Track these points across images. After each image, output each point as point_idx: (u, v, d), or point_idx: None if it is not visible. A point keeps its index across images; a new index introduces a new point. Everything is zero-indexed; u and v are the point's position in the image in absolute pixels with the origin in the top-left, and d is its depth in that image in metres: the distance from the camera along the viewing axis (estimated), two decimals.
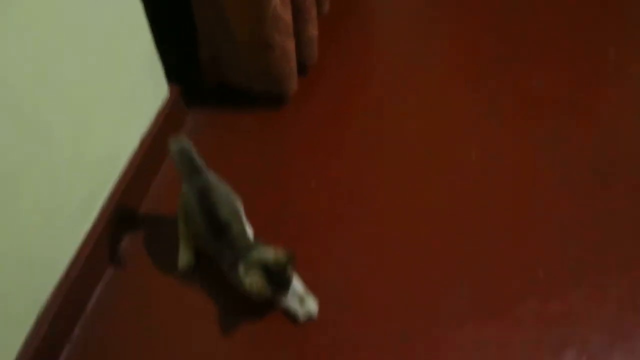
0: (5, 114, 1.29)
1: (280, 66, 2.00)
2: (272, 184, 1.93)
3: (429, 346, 1.56)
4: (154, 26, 1.82)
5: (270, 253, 1.51)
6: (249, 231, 1.64)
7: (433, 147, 2.02)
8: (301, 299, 1.61)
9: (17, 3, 1.26)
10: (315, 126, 2.10)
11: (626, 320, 1.57)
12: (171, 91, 1.99)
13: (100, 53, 1.60)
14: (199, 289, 1.69)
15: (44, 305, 1.53)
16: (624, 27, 2.36)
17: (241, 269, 1.50)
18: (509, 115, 2.10)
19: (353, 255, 1.75)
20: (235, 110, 2.16)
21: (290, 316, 1.62)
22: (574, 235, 1.75)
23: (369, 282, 1.68)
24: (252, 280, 1.47)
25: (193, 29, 2.03)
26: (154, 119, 1.92)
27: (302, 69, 2.18)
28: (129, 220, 1.82)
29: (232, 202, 1.63)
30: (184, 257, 1.71)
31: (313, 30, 2.11)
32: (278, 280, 1.49)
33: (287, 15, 1.89)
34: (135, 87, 1.82)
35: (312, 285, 1.64)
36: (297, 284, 1.61)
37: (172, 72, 1.99)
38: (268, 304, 1.61)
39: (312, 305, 1.60)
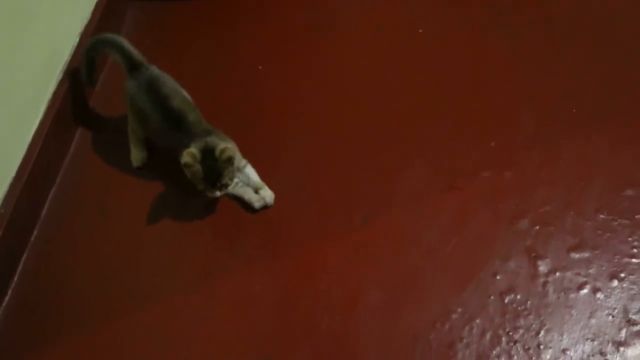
0: None
1: None
2: (219, 71, 1.90)
3: (389, 223, 1.58)
4: None
5: (222, 142, 1.49)
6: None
7: (384, 22, 1.99)
8: (256, 187, 1.62)
9: None
10: (268, 12, 2.05)
11: (576, 185, 1.60)
12: None
13: None
14: (156, 184, 1.69)
15: None
16: None
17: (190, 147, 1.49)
18: None
19: (309, 139, 1.74)
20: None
21: (245, 204, 1.62)
22: (525, 104, 1.76)
23: (325, 166, 1.69)
24: (184, 154, 1.45)
25: None
26: (92, 13, 1.85)
27: None
28: (76, 120, 1.79)
29: (181, 91, 1.61)
30: (137, 154, 1.70)
31: None
32: (210, 167, 1.47)
33: None
34: None
35: (267, 172, 1.63)
36: (252, 173, 1.62)
37: None
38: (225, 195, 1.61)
39: (267, 193, 1.61)
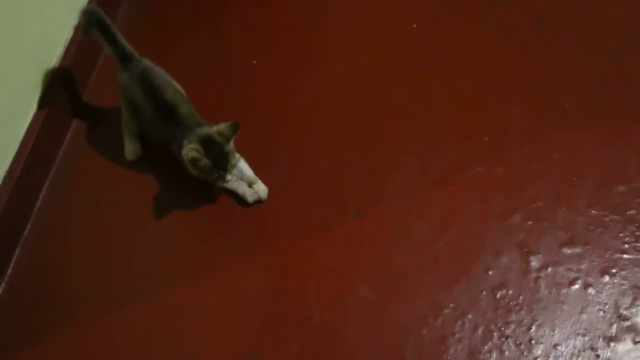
0: None
1: None
2: (213, 64, 1.90)
3: (380, 218, 1.58)
4: None
5: (213, 128, 1.51)
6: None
7: (376, 17, 1.99)
8: (250, 182, 1.62)
9: None
10: (257, 5, 2.05)
11: (568, 181, 1.60)
12: None
13: None
14: (150, 178, 1.69)
15: None
16: None
17: (184, 144, 1.50)
18: None
19: (301, 133, 1.74)
20: None
21: (239, 199, 1.62)
22: (517, 99, 1.76)
23: (317, 160, 1.69)
24: (187, 151, 1.46)
25: None
26: (86, 4, 1.84)
27: None
28: (70, 113, 1.79)
29: (173, 83, 1.62)
30: (131, 148, 1.70)
31: None
32: (216, 154, 1.48)
33: None
34: None
35: (261, 166, 1.64)
36: (245, 168, 1.62)
37: None
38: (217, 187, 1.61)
39: (261, 187, 1.62)
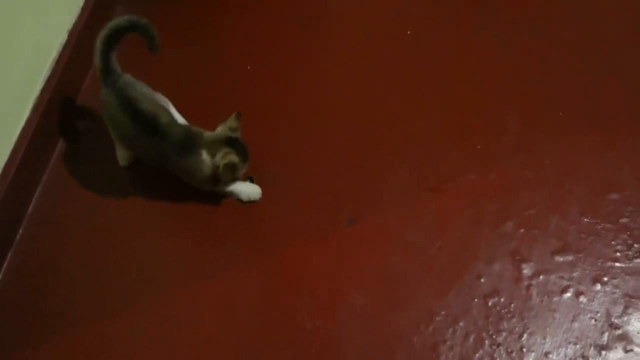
0: None
1: None
2: (209, 71, 1.89)
3: (373, 226, 1.58)
4: None
5: (220, 127, 1.51)
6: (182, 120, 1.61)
7: (370, 27, 1.99)
8: (243, 182, 1.62)
9: None
10: (252, 12, 2.05)
11: (560, 188, 1.60)
12: None
13: None
14: (143, 183, 1.69)
15: None
16: None
17: (204, 154, 1.49)
18: None
19: (294, 141, 1.74)
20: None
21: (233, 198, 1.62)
22: (511, 106, 1.76)
23: (312, 167, 1.68)
24: (230, 160, 1.46)
25: None
26: (81, 9, 1.85)
27: None
28: (63, 118, 1.78)
29: (152, 95, 1.57)
30: (122, 154, 1.69)
31: None
32: (241, 148, 1.49)
33: None
34: None
35: (255, 171, 1.63)
36: None
37: None
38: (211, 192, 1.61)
39: (255, 188, 1.62)
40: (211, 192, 1.59)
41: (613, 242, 1.51)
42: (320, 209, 1.60)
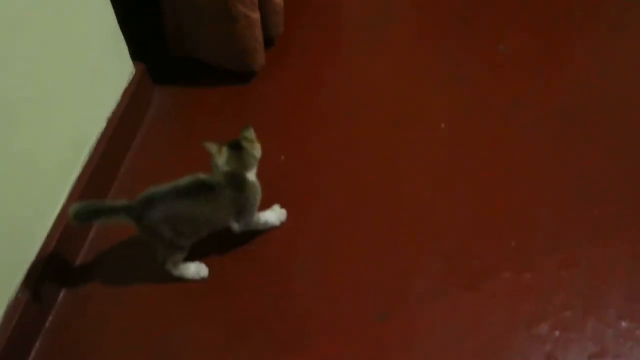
0: None
1: (245, 38, 1.98)
2: None
3: (404, 322, 1.55)
4: (116, 1, 1.78)
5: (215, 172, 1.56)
6: None
7: (403, 116, 2.02)
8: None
9: None
10: (285, 99, 2.08)
11: (598, 290, 1.57)
12: (137, 69, 1.96)
13: (60, 30, 1.56)
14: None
15: None
16: None
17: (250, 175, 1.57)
18: (475, 79, 2.11)
19: (325, 232, 1.74)
20: (203, 86, 2.13)
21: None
22: (546, 202, 1.75)
23: (342, 260, 1.67)
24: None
25: (157, 2, 2.00)
26: (120, 99, 1.89)
27: (268, 41, 2.16)
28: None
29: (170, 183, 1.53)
30: (191, 266, 1.65)
31: (277, 0, 2.09)
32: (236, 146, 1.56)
33: None
34: (99, 66, 1.79)
35: (284, 258, 1.64)
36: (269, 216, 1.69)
37: (138, 48, 1.96)
38: None
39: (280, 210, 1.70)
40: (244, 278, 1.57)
41: None
42: (349, 305, 1.59)
